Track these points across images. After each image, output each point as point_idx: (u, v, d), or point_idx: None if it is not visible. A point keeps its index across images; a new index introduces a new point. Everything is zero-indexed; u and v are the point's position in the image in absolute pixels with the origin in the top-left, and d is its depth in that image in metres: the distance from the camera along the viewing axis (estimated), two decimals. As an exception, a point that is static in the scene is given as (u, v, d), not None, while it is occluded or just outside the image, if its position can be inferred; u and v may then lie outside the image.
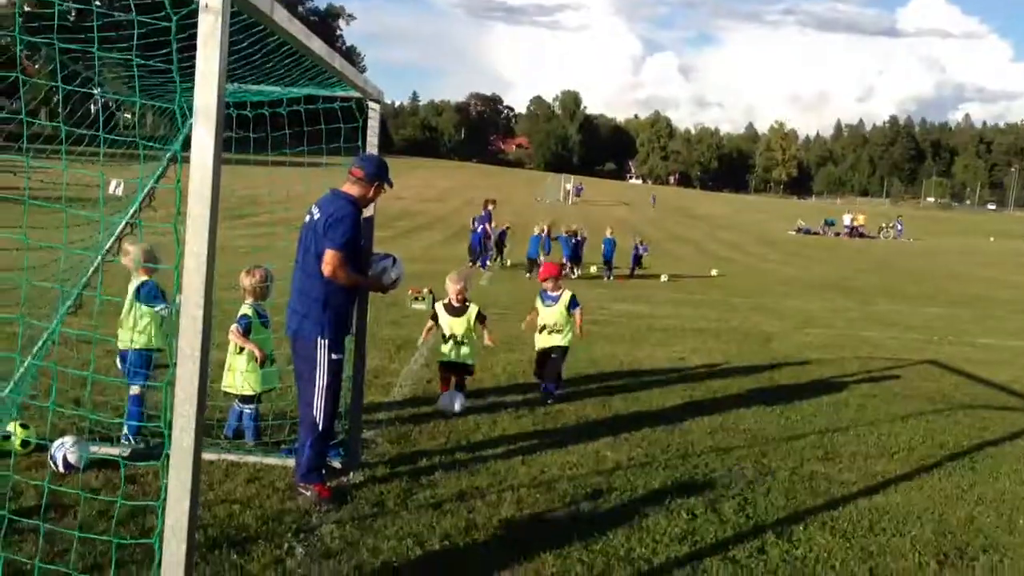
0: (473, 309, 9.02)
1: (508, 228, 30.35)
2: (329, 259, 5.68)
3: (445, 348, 8.92)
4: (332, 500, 5.81)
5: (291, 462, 6.53)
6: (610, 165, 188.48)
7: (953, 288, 29.30)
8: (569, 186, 78.57)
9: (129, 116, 7.22)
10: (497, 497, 6.10)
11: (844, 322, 18.43)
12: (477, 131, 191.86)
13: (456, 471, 6.58)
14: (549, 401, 9.10)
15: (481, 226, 27.41)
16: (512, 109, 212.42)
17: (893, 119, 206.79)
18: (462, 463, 6.80)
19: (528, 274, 25.16)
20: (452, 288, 9.03)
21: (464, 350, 8.93)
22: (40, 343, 6.18)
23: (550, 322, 9.62)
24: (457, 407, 8.36)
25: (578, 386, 10.13)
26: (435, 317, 9.07)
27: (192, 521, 3.07)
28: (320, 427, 5.85)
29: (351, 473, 6.45)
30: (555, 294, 9.71)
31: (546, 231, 26.91)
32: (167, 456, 3.10)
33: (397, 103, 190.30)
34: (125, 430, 6.73)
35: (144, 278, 6.73)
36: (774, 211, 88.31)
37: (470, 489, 6.24)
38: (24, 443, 6.19)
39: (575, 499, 6.19)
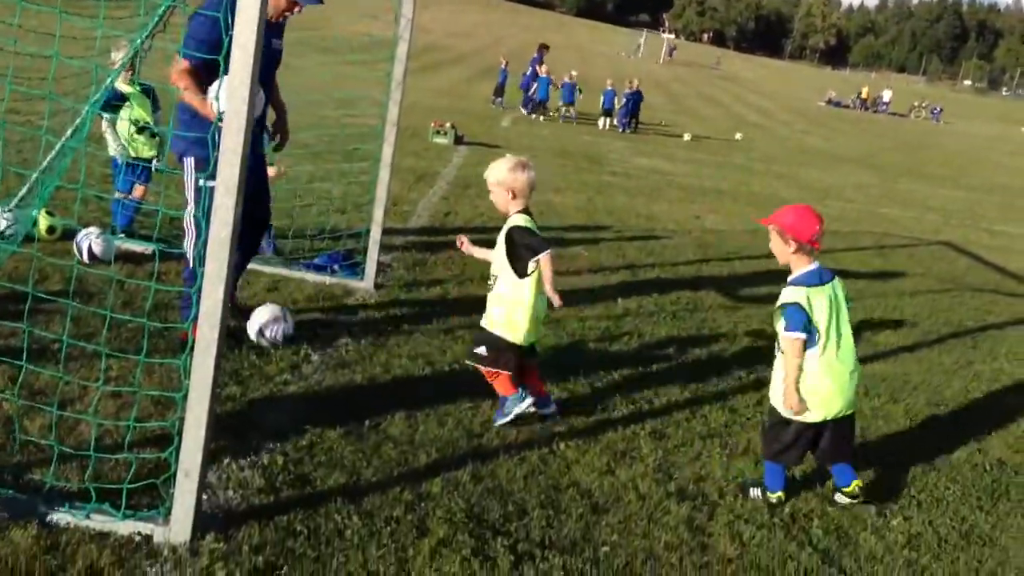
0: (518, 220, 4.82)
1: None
2: (174, 64, 4.80)
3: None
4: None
5: (309, 275, 6.68)
6: (644, 16, 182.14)
7: (978, 173, 28.88)
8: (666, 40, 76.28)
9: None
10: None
11: (864, 198, 18.28)
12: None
13: (469, 300, 6.70)
14: None
15: (531, 68, 26.42)
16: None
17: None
18: (475, 294, 6.91)
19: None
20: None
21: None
22: (70, 130, 6.18)
23: None
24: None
25: (595, 232, 10.20)
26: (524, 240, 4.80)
27: (225, 305, 3.15)
28: (191, 262, 5.00)
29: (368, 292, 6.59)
30: None
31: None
32: (203, 246, 3.16)
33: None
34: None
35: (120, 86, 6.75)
36: (806, 80, 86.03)
37: (480, 317, 6.37)
38: (50, 229, 6.29)
39: (584, 338, 6.34)
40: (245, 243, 4.92)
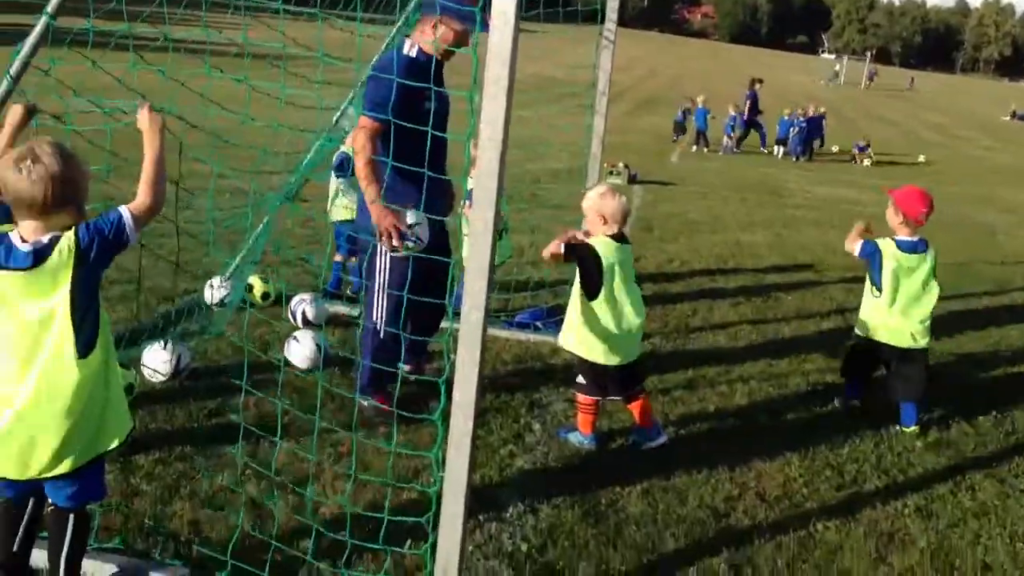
0: None
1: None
2: (359, 123, 4.69)
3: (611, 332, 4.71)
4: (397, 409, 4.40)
5: (512, 334, 6.48)
6: (802, 38, 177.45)
7: None
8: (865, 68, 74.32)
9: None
10: (728, 388, 5.85)
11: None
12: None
13: (677, 355, 6.37)
14: None
15: (748, 103, 25.61)
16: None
17: None
18: (682, 348, 6.58)
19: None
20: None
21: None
22: (284, 190, 6.28)
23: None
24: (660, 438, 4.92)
25: (791, 275, 9.63)
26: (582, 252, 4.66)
27: (478, 400, 2.96)
28: (379, 328, 4.85)
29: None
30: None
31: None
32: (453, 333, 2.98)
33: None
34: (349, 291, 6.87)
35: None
36: (983, 94, 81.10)
37: (679, 372, 6.02)
38: (264, 296, 6.39)
39: (811, 394, 5.87)
40: (434, 306, 4.83)
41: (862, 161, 25.12)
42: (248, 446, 4.22)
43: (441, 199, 4.88)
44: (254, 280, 6.39)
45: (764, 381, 6.04)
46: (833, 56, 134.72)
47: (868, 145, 25.83)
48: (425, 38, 4.76)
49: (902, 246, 5.37)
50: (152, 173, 3.01)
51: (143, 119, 3.15)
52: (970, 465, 4.98)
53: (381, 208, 4.45)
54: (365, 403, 4.85)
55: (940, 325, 7.82)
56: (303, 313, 6.07)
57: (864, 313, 5.60)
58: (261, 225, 6.32)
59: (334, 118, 6.44)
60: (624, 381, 4.76)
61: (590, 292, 4.64)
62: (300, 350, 5.34)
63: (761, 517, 4.19)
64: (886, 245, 5.38)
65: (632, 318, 4.67)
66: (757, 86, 26.28)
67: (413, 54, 4.77)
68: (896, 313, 5.38)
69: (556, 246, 4.62)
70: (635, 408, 4.80)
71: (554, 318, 6.78)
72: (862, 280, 9.81)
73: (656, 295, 7.83)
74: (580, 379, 4.79)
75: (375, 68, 4.85)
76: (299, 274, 7.42)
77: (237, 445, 3.98)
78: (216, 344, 5.62)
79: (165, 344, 4.87)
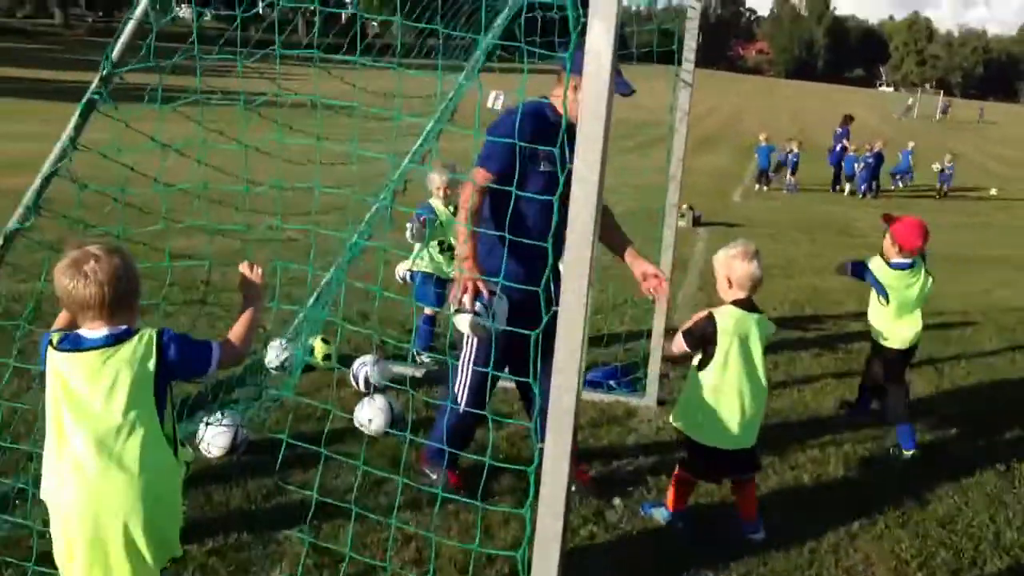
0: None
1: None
2: (472, 174, 4.22)
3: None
4: (464, 487, 4.44)
5: (591, 394, 6.12)
6: (858, 71, 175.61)
7: None
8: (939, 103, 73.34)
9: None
10: (821, 453, 5.41)
11: None
12: (715, 35, 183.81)
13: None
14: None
15: (839, 144, 25.16)
16: (754, 12, 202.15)
17: None
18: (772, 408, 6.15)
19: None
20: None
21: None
22: (346, 256, 6.05)
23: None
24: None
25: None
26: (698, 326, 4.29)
27: (569, 493, 2.63)
28: (458, 402, 4.45)
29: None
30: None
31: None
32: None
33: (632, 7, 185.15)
34: (415, 348, 6.58)
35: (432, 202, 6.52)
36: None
37: (784, 440, 5.59)
38: (326, 358, 6.14)
39: (918, 495, 5.40)
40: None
41: (941, 194, 24.55)
42: (310, 532, 3.92)
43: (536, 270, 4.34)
44: (316, 342, 6.16)
45: (859, 444, 5.60)
46: (891, 88, 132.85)
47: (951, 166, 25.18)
48: (556, 98, 4.25)
49: (892, 266, 5.54)
50: (248, 327, 3.03)
51: (248, 277, 3.18)
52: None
53: (471, 269, 4.01)
54: (434, 476, 4.52)
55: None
56: (365, 377, 5.80)
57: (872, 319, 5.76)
58: (321, 285, 6.10)
59: (398, 172, 6.20)
60: (734, 466, 4.26)
61: (701, 360, 4.20)
62: (372, 412, 5.09)
63: (874, 610, 3.76)
64: (877, 265, 5.58)
65: (749, 399, 4.14)
66: (849, 124, 25.75)
67: (544, 109, 4.28)
68: (893, 317, 5.58)
69: (680, 344, 4.23)
70: (740, 496, 4.36)
71: (628, 376, 6.44)
72: (953, 326, 9.33)
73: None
74: (684, 454, 4.37)
75: (495, 124, 4.26)
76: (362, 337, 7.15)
77: (299, 528, 3.70)
78: (275, 416, 5.35)
79: (221, 418, 4.62)
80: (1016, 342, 8.66)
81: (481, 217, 4.20)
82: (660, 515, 4.44)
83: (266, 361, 5.96)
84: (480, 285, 3.95)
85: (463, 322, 3.92)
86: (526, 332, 2.97)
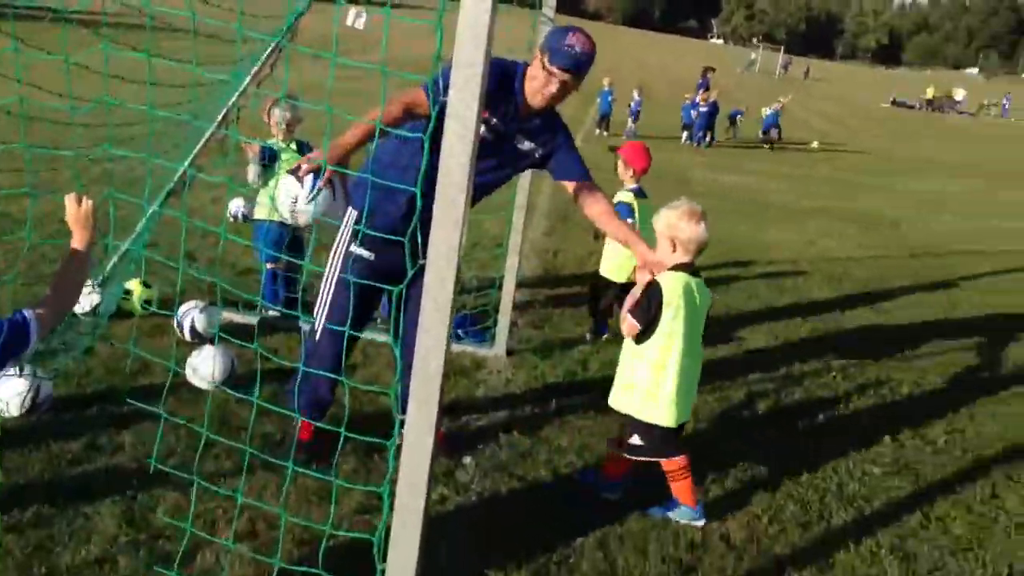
0: None
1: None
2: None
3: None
4: (313, 446, 4.07)
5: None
6: (692, 23, 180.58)
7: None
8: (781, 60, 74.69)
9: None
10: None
11: (975, 208, 17.06)
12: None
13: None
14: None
15: (701, 91, 25.29)
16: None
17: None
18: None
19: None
20: None
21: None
22: (165, 190, 5.44)
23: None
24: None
25: (714, 270, 9.25)
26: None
27: (432, 469, 2.34)
28: (313, 343, 4.07)
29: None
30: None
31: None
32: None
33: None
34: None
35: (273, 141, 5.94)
36: (862, 81, 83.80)
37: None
38: (145, 303, 5.53)
39: (749, 408, 5.43)
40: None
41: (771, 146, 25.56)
42: (123, 503, 3.47)
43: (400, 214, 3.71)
44: (134, 284, 5.54)
45: (709, 403, 5.57)
46: (720, 41, 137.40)
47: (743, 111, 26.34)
48: (530, 75, 3.79)
49: (636, 193, 6.21)
50: (72, 279, 2.59)
51: (74, 213, 2.64)
52: (935, 492, 4.62)
53: (333, 149, 3.40)
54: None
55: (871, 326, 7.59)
56: (191, 326, 5.25)
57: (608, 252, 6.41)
58: (141, 223, 5.47)
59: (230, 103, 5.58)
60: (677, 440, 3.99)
61: (639, 334, 3.83)
62: (201, 363, 4.60)
63: (730, 571, 3.69)
64: (627, 196, 6.15)
65: (694, 371, 3.90)
66: (710, 75, 26.26)
67: (518, 69, 3.81)
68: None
69: (632, 326, 3.79)
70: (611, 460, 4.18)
71: (477, 325, 6.18)
72: (783, 275, 9.61)
73: (573, 295, 7.28)
74: (637, 440, 3.95)
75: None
76: (188, 279, 6.52)
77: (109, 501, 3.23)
78: (86, 365, 4.76)
79: (20, 372, 4.03)
80: (843, 291, 8.99)
81: (383, 140, 3.71)
82: (683, 516, 3.97)
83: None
84: (329, 173, 3.38)
85: (284, 200, 3.44)
86: (388, 287, 2.62)
